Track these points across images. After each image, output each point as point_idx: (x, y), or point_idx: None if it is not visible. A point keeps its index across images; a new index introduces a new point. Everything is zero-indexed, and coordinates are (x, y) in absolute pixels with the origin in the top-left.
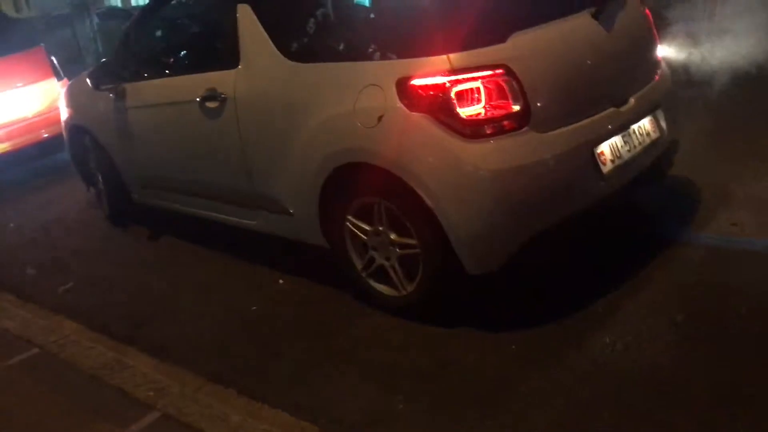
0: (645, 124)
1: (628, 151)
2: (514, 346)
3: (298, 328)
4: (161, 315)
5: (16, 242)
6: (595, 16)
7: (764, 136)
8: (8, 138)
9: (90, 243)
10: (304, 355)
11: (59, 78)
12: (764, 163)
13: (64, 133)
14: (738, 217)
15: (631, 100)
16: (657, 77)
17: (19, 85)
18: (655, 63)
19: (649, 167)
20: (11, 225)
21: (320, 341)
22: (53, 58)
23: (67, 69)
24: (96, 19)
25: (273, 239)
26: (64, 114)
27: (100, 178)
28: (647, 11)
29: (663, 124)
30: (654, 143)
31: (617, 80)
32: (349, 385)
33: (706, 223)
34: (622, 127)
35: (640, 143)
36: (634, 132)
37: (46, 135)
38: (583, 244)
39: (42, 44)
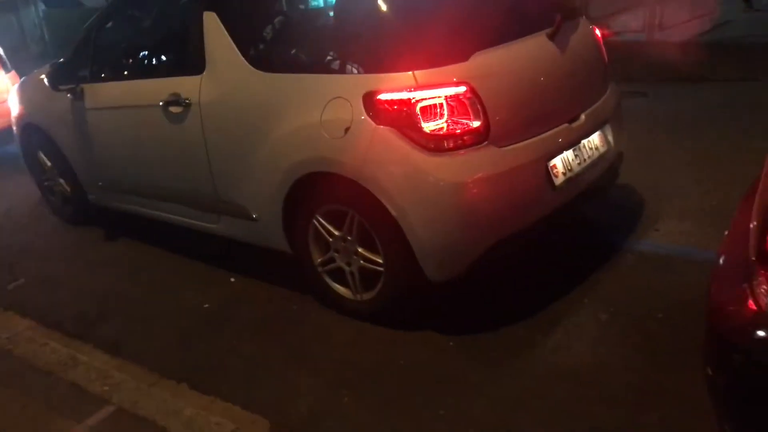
0: (594, 138)
1: (579, 164)
2: (451, 343)
3: (250, 325)
4: (115, 312)
5: None
6: (550, 37)
7: (704, 143)
8: None
9: (41, 240)
10: (255, 351)
11: (6, 70)
12: (702, 172)
13: (15, 130)
14: (665, 225)
15: (582, 117)
16: (606, 93)
17: None
18: (604, 80)
19: (597, 179)
20: None
21: (271, 338)
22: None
23: (11, 58)
24: (42, 6)
25: (226, 240)
26: (16, 110)
27: (53, 176)
28: (596, 31)
29: (610, 138)
30: (602, 156)
31: (570, 98)
32: (299, 381)
33: (641, 230)
34: (573, 142)
35: (589, 157)
36: (584, 146)
37: None
38: (530, 252)
39: None
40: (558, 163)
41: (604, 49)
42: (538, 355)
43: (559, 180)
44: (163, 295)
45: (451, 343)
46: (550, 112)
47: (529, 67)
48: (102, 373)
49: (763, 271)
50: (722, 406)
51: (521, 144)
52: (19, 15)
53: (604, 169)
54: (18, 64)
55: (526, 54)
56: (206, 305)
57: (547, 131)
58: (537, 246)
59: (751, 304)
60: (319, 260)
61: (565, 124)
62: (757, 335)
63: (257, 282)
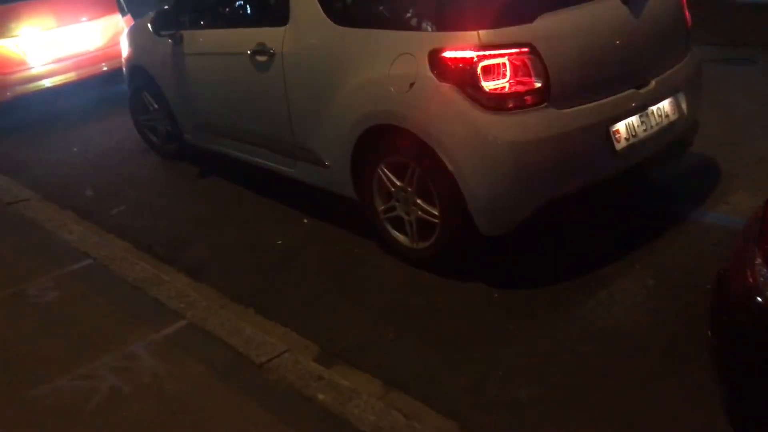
0: (665, 105)
1: (645, 130)
2: (496, 295)
3: (314, 262)
4: (199, 241)
5: (78, 165)
6: (624, 1)
7: None
8: (75, 68)
9: (143, 172)
10: (316, 286)
11: (123, 14)
12: None
13: (125, 71)
14: (735, 198)
15: (652, 83)
16: (683, 60)
17: (84, 19)
18: (682, 46)
19: (666, 147)
20: (74, 149)
21: (331, 276)
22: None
23: (131, 1)
24: None
25: (305, 185)
26: (126, 52)
27: (156, 115)
28: None
29: (684, 106)
30: (672, 124)
31: (639, 63)
32: (350, 315)
33: (710, 202)
34: (640, 108)
35: (657, 124)
36: (652, 113)
37: (107, 68)
38: (597, 214)
39: None
40: (621, 127)
41: (687, 13)
42: (577, 313)
43: (621, 145)
44: (242, 230)
45: (496, 295)
46: (617, 76)
47: (596, 30)
48: (180, 292)
49: (759, 247)
50: (717, 368)
51: (583, 107)
52: None
53: (675, 138)
54: (137, 8)
55: (595, 17)
56: (279, 242)
57: (611, 96)
58: (600, 208)
59: (747, 276)
60: (381, 208)
61: (632, 90)
62: (746, 305)
63: (326, 224)
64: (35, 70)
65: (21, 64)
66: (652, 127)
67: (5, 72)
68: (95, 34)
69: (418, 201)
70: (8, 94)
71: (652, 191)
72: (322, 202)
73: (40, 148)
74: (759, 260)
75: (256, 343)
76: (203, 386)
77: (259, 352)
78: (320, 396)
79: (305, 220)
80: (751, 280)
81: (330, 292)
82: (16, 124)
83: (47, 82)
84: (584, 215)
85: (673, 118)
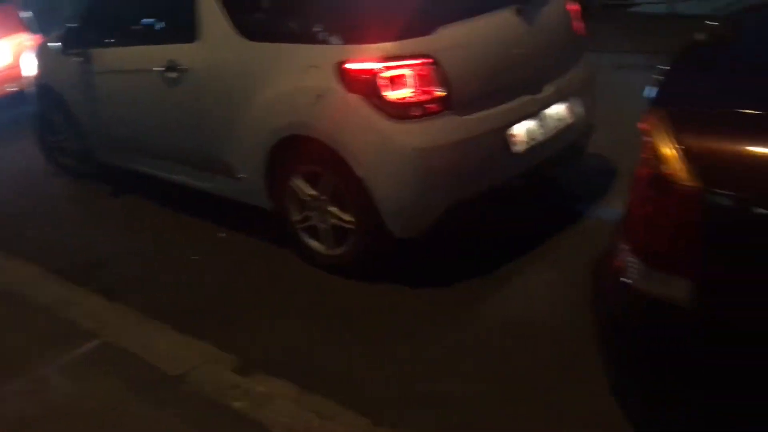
0: (560, 109)
1: (542, 133)
2: (414, 295)
3: (232, 275)
4: (113, 261)
5: None
6: (518, 13)
7: None
8: None
9: (55, 193)
10: (233, 299)
11: (31, 33)
12: None
13: (33, 91)
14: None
15: (547, 88)
16: (577, 67)
17: None
18: (575, 54)
19: (563, 149)
20: None
21: (250, 287)
22: (25, 14)
23: (47, 20)
24: None
25: (220, 198)
26: (33, 72)
27: (65, 136)
28: (574, 6)
29: (579, 109)
30: (569, 127)
31: (534, 71)
32: (269, 325)
33: (608, 198)
34: (536, 112)
35: (554, 127)
36: (549, 117)
37: (15, 88)
38: (503, 214)
39: (11, 1)
40: (520, 131)
41: (578, 23)
42: (488, 309)
43: (519, 147)
44: (158, 247)
45: (411, 295)
46: (513, 83)
47: (493, 40)
48: (94, 312)
49: (624, 233)
50: (601, 348)
51: (482, 113)
52: None
53: (571, 140)
54: (48, 26)
55: (491, 28)
56: (195, 257)
57: (509, 102)
58: (504, 207)
59: (616, 261)
60: (296, 218)
61: (529, 96)
62: (615, 288)
63: (243, 237)
64: None
65: None
66: (549, 130)
67: None
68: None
69: (332, 209)
70: None
71: (554, 191)
72: (239, 214)
73: None
74: (623, 245)
75: (172, 357)
76: (117, 402)
77: (174, 366)
78: (235, 403)
79: (222, 234)
80: (618, 264)
81: (247, 304)
82: None
83: None
84: (491, 215)
85: (569, 121)
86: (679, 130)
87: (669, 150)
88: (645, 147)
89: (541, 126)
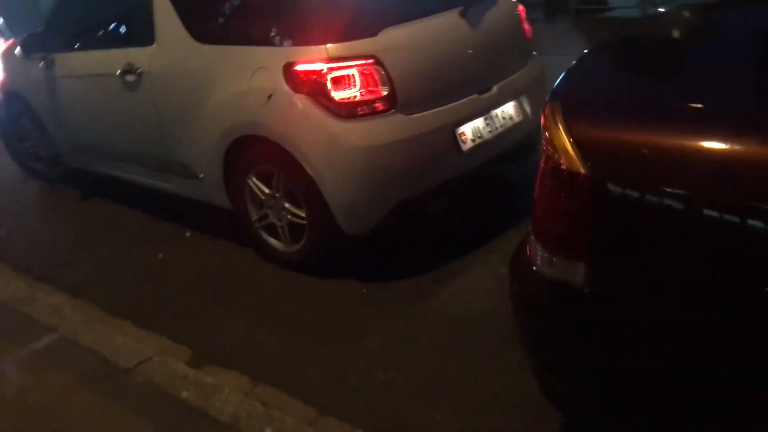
0: (508, 108)
1: (490, 132)
2: (365, 290)
3: (194, 273)
4: (79, 260)
5: None
6: (462, 15)
7: None
8: None
9: (24, 197)
10: (195, 296)
11: (5, 38)
12: None
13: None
14: None
15: (494, 88)
16: (525, 66)
17: None
18: (523, 54)
19: (512, 147)
20: None
21: (210, 285)
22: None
23: (23, 25)
24: None
25: (186, 200)
26: (0, 77)
27: (34, 141)
28: (520, 8)
29: (528, 108)
30: (518, 125)
31: (480, 70)
32: (225, 321)
33: None
34: (484, 111)
35: (502, 125)
36: (496, 116)
37: None
38: (453, 210)
39: None
40: (467, 130)
41: (526, 24)
42: (433, 303)
43: (467, 146)
44: (124, 247)
45: (364, 290)
46: (459, 83)
47: (437, 42)
48: (55, 308)
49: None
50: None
51: (428, 112)
52: None
53: (521, 137)
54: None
55: (435, 30)
56: (160, 255)
57: (455, 101)
58: (455, 204)
59: (526, 250)
60: (255, 217)
61: (475, 95)
62: (525, 277)
63: (207, 236)
64: None
65: None
66: (497, 128)
67: None
68: None
69: (287, 205)
70: None
71: (504, 188)
72: (205, 215)
73: None
74: (532, 236)
75: (126, 351)
76: (68, 394)
77: (128, 359)
78: (184, 393)
79: (188, 234)
80: (528, 253)
81: (207, 300)
82: None
83: None
84: (441, 212)
85: (517, 119)
86: (570, 120)
87: (559, 139)
88: (542, 137)
89: (488, 124)
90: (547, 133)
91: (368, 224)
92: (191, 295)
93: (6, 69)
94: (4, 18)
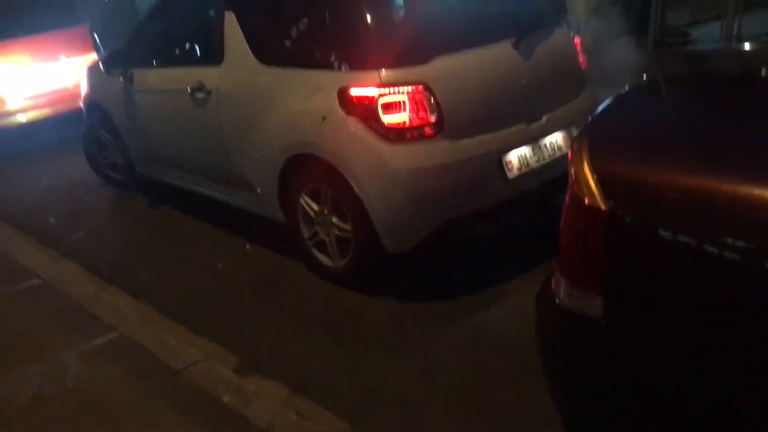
0: (557, 138)
1: (537, 161)
2: (403, 307)
3: (248, 284)
4: (146, 265)
5: (46, 195)
6: (515, 45)
7: None
8: (50, 104)
9: (103, 202)
10: (247, 304)
11: (98, 53)
12: None
13: (83, 108)
14: None
15: (543, 118)
16: (578, 98)
17: (62, 57)
18: (576, 85)
19: (559, 176)
20: (45, 180)
21: (263, 295)
22: (96, 35)
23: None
24: None
25: (247, 213)
26: (84, 90)
27: (112, 150)
28: (576, 40)
29: None
30: (566, 156)
31: (529, 100)
32: (273, 330)
33: None
34: (531, 140)
35: (550, 155)
36: (544, 145)
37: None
38: (499, 235)
39: (89, 23)
40: (513, 158)
41: (581, 56)
42: (471, 325)
43: (513, 173)
44: (187, 255)
45: (403, 308)
46: (507, 112)
47: (487, 71)
48: (118, 309)
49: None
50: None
51: (475, 139)
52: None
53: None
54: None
55: (486, 60)
56: (219, 265)
57: (502, 129)
58: (502, 229)
59: (552, 282)
60: (307, 235)
61: (524, 124)
62: (550, 309)
63: (266, 249)
64: (11, 106)
65: None
66: (544, 158)
67: None
68: (72, 72)
69: (334, 220)
70: None
71: (548, 215)
72: (264, 228)
73: (12, 179)
74: (556, 269)
75: (178, 353)
76: (120, 388)
77: (178, 361)
78: (225, 398)
79: (247, 246)
80: (553, 285)
81: (258, 309)
82: None
83: (22, 117)
84: (487, 236)
85: (566, 150)
86: (594, 156)
87: (583, 174)
88: (569, 172)
89: (536, 153)
90: (572, 168)
91: (410, 243)
92: (244, 304)
93: (89, 83)
94: (99, 35)
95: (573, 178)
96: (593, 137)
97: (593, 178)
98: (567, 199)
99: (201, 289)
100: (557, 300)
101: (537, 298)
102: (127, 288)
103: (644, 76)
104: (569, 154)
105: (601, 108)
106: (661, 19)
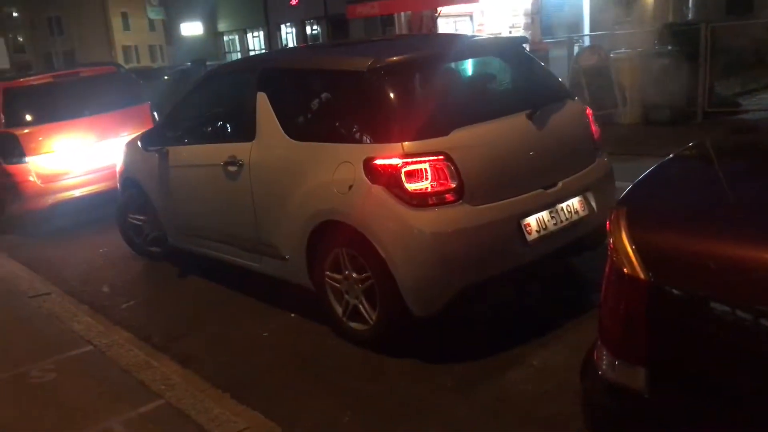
0: (574, 203)
1: (555, 224)
2: (430, 371)
3: (291, 353)
4: (193, 333)
5: (101, 265)
6: (529, 117)
7: None
8: (104, 180)
9: (152, 271)
10: (290, 374)
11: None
12: None
13: (118, 183)
14: None
15: (559, 184)
16: (592, 165)
17: (124, 135)
18: (590, 153)
19: (577, 240)
20: (101, 250)
21: (303, 365)
22: (155, 113)
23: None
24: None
25: (289, 284)
26: (120, 165)
27: (145, 223)
28: (588, 111)
29: (594, 204)
30: (583, 219)
31: (545, 168)
32: (315, 400)
33: None
34: (549, 205)
35: (567, 219)
36: (561, 209)
37: None
38: (521, 299)
39: (149, 102)
40: (532, 221)
41: (594, 126)
42: (500, 387)
43: (532, 236)
44: (232, 324)
45: (429, 371)
46: (524, 178)
47: (504, 141)
48: (165, 376)
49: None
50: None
51: (494, 204)
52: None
53: (586, 231)
54: None
55: (503, 130)
56: (265, 334)
57: (521, 194)
58: (522, 292)
59: (594, 353)
60: (341, 312)
61: (540, 190)
62: (592, 376)
63: (308, 318)
64: (72, 181)
65: (62, 175)
66: (561, 221)
67: (47, 182)
68: None
69: (354, 275)
70: (48, 201)
71: (567, 279)
72: (309, 297)
73: (69, 249)
74: (599, 340)
75: (221, 422)
76: None
77: (222, 429)
78: None
79: (292, 314)
80: (595, 356)
81: (300, 379)
82: (53, 228)
83: (78, 192)
84: (510, 299)
85: (582, 214)
86: (633, 226)
87: (622, 245)
88: (609, 242)
89: (554, 217)
90: (611, 239)
91: (435, 306)
92: (287, 373)
93: (126, 159)
94: (159, 112)
95: (612, 247)
96: (631, 207)
97: (632, 248)
98: (606, 269)
99: (246, 358)
100: (599, 371)
101: (581, 368)
102: (176, 356)
103: (689, 144)
104: (607, 225)
105: (641, 177)
106: (709, 90)
